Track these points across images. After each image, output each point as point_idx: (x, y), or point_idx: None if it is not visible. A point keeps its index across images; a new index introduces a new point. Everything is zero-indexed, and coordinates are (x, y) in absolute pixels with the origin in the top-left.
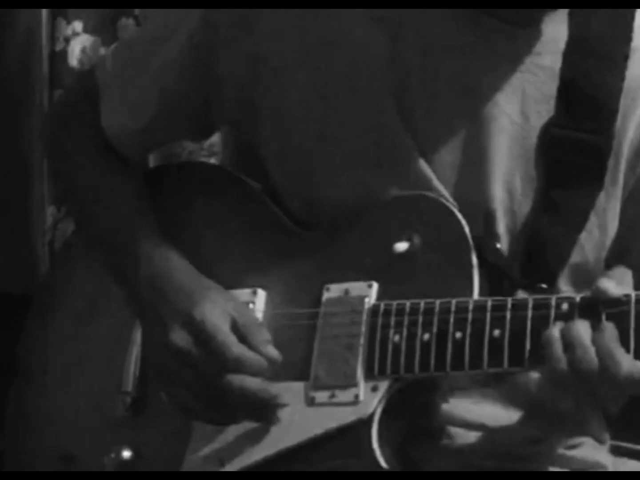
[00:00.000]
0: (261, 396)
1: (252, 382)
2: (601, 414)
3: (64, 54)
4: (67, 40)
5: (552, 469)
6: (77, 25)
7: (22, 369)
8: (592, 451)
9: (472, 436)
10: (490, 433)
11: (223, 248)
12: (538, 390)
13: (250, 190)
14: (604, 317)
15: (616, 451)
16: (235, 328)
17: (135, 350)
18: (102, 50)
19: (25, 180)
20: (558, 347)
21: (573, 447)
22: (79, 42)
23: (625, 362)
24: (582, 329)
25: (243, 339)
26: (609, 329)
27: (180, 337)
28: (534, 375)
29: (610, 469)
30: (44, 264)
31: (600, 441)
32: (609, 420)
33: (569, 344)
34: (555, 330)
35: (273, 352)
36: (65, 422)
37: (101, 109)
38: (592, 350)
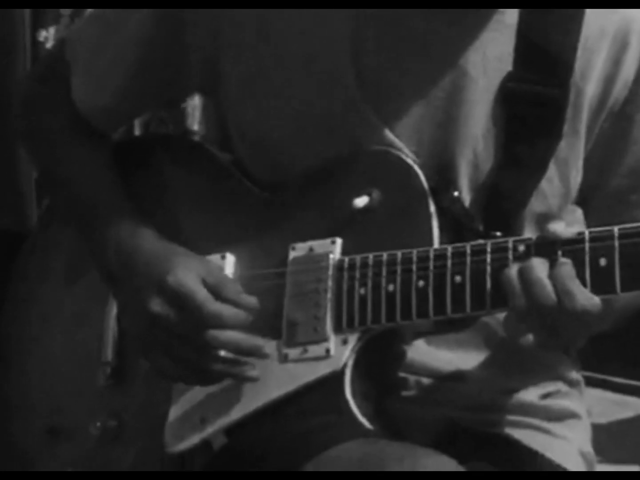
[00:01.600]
0: (244, 346)
1: (233, 334)
2: (570, 350)
3: None
4: None
5: (526, 419)
6: None
7: (3, 347)
8: (566, 400)
9: (445, 387)
10: (464, 383)
11: (192, 217)
12: (504, 328)
13: (217, 160)
14: (559, 254)
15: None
16: (209, 286)
17: (113, 320)
18: None
19: (10, 119)
20: (517, 285)
21: (547, 395)
22: None
23: (582, 296)
24: (538, 266)
25: (217, 296)
26: (566, 265)
27: (156, 304)
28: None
29: (584, 417)
30: (31, 199)
31: (571, 384)
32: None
33: (526, 281)
34: (513, 270)
35: (248, 299)
36: (48, 397)
37: (71, 83)
38: (549, 286)
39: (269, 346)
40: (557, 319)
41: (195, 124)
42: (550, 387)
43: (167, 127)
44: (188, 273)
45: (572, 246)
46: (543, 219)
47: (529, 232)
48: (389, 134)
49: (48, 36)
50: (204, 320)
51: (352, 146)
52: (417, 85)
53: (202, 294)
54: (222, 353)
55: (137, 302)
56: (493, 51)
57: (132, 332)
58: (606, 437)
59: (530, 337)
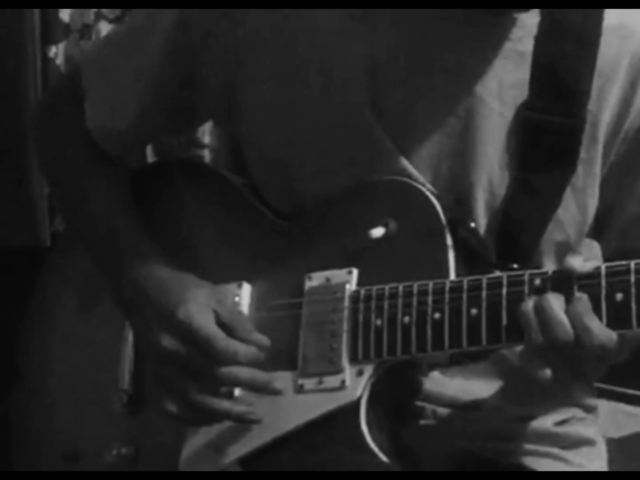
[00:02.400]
0: (258, 382)
1: (246, 370)
2: (587, 383)
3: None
4: None
5: (542, 447)
6: None
7: (23, 370)
8: (581, 426)
9: (461, 416)
10: (479, 412)
11: (208, 244)
12: (520, 362)
13: (232, 186)
14: (576, 288)
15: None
16: (220, 323)
17: (130, 347)
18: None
19: (23, 134)
20: (533, 321)
21: (562, 422)
22: None
23: (599, 331)
24: (554, 301)
25: (229, 332)
26: (582, 300)
27: (167, 341)
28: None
29: (599, 442)
30: (43, 215)
31: (587, 410)
32: None
33: (543, 317)
34: (529, 305)
35: (260, 338)
36: (66, 422)
37: (85, 109)
38: (565, 321)
39: (284, 377)
40: (575, 354)
41: (205, 136)
42: (565, 413)
43: (177, 139)
44: (200, 307)
45: (588, 281)
46: (562, 248)
47: (548, 262)
48: (405, 162)
49: (57, 52)
50: (216, 357)
51: (368, 174)
52: (433, 113)
53: (212, 330)
54: (236, 392)
55: (149, 337)
56: (508, 79)
57: (148, 364)
58: (619, 451)
59: (547, 372)
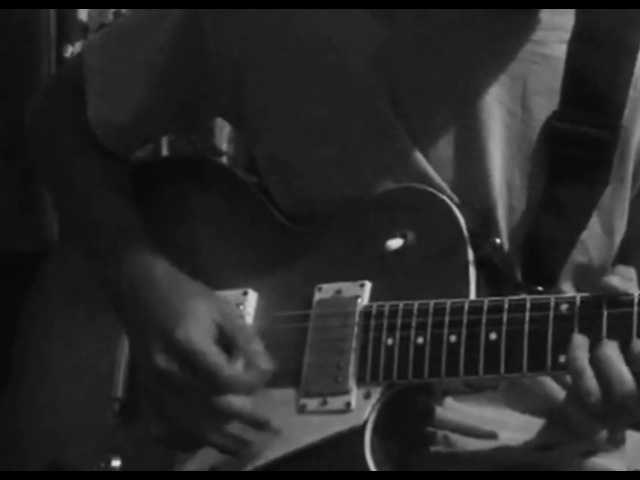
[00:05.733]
0: (252, 420)
1: (243, 405)
2: None
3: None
4: None
5: None
6: None
7: (15, 374)
8: (607, 459)
9: (474, 444)
10: (495, 441)
11: (214, 245)
12: (565, 405)
13: (244, 186)
14: (605, 317)
15: None
16: (223, 337)
17: (125, 354)
18: None
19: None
20: (588, 372)
21: (588, 453)
22: None
23: None
24: (612, 353)
25: (231, 349)
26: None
27: (162, 360)
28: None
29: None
30: (52, 218)
31: (617, 445)
32: None
33: (603, 374)
34: (584, 361)
35: (266, 363)
36: (54, 429)
37: (87, 100)
38: (626, 373)
39: (287, 394)
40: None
41: (223, 143)
42: (589, 443)
43: (194, 146)
44: (198, 326)
45: (618, 309)
46: (582, 272)
47: (566, 286)
48: (424, 162)
49: (74, 51)
50: (214, 385)
51: (382, 176)
52: (449, 116)
53: (212, 355)
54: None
55: (145, 352)
56: (534, 84)
57: (140, 378)
58: None
59: (604, 432)
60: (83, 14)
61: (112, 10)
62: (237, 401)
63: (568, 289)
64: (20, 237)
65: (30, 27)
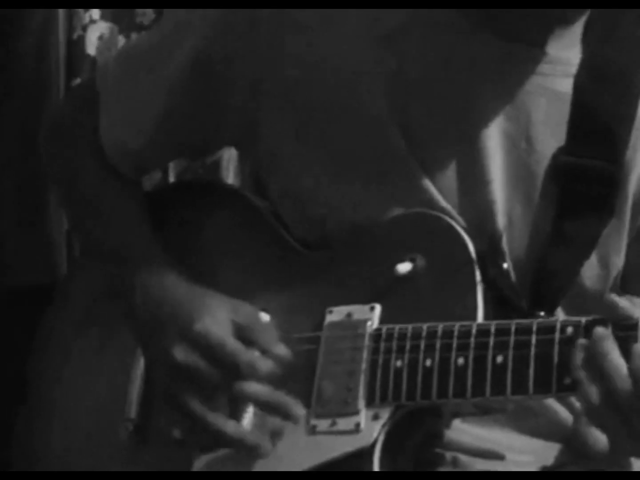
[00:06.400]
0: (276, 401)
1: (264, 388)
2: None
3: (81, 41)
4: (84, 28)
5: None
6: (95, 13)
7: (31, 394)
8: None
9: (482, 465)
10: (503, 462)
11: (226, 269)
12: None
13: (254, 208)
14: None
15: None
16: (241, 331)
17: (139, 376)
18: (120, 39)
19: (42, 170)
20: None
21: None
22: (96, 29)
23: None
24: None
25: (249, 341)
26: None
27: (184, 354)
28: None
29: None
30: (61, 250)
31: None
32: None
33: (603, 372)
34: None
35: (283, 350)
36: (66, 450)
37: (100, 123)
38: (623, 367)
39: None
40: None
41: (230, 176)
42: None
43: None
44: (215, 320)
45: (624, 332)
46: (574, 301)
47: (557, 312)
48: (432, 190)
49: None
50: (234, 371)
51: (393, 203)
52: (453, 145)
53: (231, 343)
54: (246, 420)
55: (164, 351)
56: (538, 116)
57: (158, 386)
58: None
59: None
60: (91, 48)
61: (122, 44)
62: (257, 386)
63: (562, 317)
64: (30, 269)
65: (40, 60)
